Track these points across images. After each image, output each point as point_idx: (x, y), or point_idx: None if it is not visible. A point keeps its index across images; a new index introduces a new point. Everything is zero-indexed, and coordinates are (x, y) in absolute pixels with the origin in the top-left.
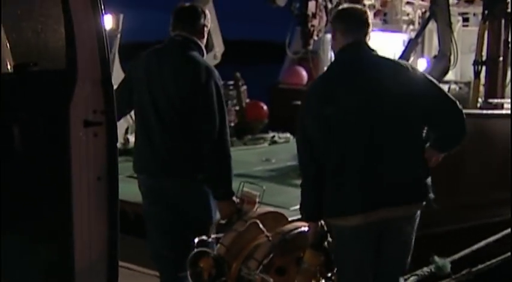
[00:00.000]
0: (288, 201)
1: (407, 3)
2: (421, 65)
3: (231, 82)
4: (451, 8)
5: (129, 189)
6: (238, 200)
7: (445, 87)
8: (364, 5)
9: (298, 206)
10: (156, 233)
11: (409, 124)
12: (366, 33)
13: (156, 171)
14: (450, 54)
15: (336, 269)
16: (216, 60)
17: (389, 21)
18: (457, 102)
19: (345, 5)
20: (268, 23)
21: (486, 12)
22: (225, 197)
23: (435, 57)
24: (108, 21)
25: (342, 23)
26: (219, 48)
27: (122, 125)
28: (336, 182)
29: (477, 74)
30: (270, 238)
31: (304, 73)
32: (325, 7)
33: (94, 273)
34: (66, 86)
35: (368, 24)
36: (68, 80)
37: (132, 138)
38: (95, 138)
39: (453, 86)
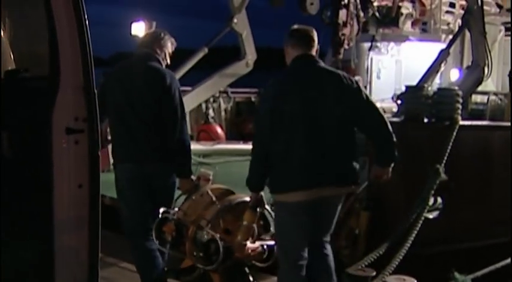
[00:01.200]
0: None
1: (447, 12)
2: (453, 75)
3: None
4: (494, 17)
5: None
6: (195, 178)
7: (484, 98)
8: (402, 14)
9: None
10: (132, 213)
11: (342, 121)
12: (311, 48)
13: (136, 159)
14: (484, 64)
15: (271, 232)
16: (249, 68)
17: (428, 30)
18: (380, 111)
19: (296, 26)
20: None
21: None
22: (185, 176)
23: (468, 67)
24: (141, 29)
25: (293, 40)
26: (251, 56)
27: None
28: (282, 164)
29: None
30: (218, 204)
31: None
32: (357, 16)
33: (75, 279)
34: (48, 92)
35: (314, 41)
36: (51, 86)
37: None
38: (76, 145)
39: (492, 97)
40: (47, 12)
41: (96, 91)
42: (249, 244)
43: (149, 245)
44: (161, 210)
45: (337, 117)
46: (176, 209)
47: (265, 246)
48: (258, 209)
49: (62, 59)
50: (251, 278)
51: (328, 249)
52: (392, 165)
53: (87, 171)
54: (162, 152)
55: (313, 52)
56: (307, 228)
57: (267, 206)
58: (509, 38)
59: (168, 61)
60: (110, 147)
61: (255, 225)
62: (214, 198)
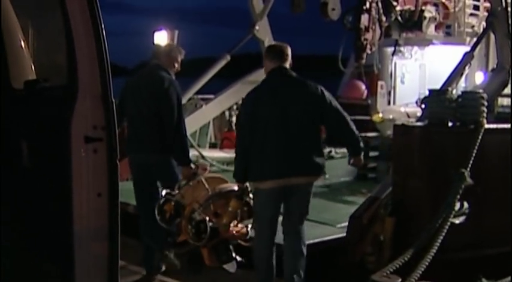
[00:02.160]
0: (335, 218)
1: (471, 14)
2: (478, 78)
3: None
4: None
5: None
6: (194, 166)
7: (504, 101)
8: (425, 18)
9: (345, 223)
10: (142, 194)
11: (309, 122)
12: (285, 61)
13: (142, 150)
14: (510, 67)
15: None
16: None
17: (452, 33)
18: (343, 113)
19: (272, 43)
20: (326, 37)
21: None
22: (185, 164)
23: (493, 70)
24: (163, 38)
25: (269, 55)
26: None
27: None
28: (258, 157)
29: None
30: (210, 191)
31: (363, 87)
32: (379, 20)
33: None
34: (67, 101)
35: (287, 56)
36: (69, 95)
37: None
38: (95, 154)
39: None
40: (65, 22)
41: (114, 100)
42: (233, 226)
43: (153, 219)
44: (163, 192)
45: (303, 119)
46: (176, 191)
47: (248, 228)
48: (242, 198)
49: (79, 68)
50: (234, 254)
51: (301, 234)
52: (363, 153)
53: (106, 179)
54: (161, 145)
55: (287, 65)
56: (278, 211)
57: (251, 195)
58: None
59: (178, 68)
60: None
61: (239, 211)
62: (206, 186)
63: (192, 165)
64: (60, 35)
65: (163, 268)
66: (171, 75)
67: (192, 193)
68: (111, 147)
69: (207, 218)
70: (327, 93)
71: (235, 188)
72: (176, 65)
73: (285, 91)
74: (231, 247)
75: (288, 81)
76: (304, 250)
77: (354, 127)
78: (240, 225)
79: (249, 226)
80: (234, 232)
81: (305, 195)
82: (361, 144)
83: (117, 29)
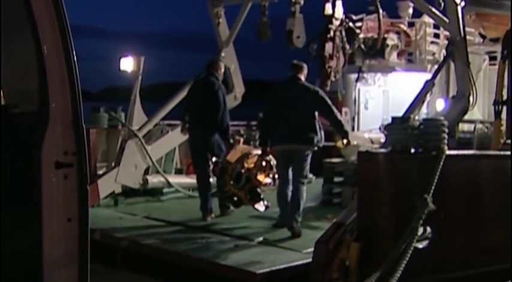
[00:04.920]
0: (301, 244)
1: (432, 42)
2: (439, 105)
3: (254, 122)
4: (478, 47)
5: (144, 231)
6: (232, 141)
7: (471, 127)
8: (387, 46)
9: (311, 248)
10: (199, 158)
11: (307, 109)
12: (300, 73)
13: (199, 128)
14: (469, 94)
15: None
16: (237, 101)
17: (414, 61)
18: (331, 107)
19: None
20: (289, 63)
21: (505, 51)
22: (226, 139)
23: (453, 97)
24: (130, 64)
25: (291, 66)
26: (239, 89)
27: (141, 166)
28: (273, 132)
29: (498, 114)
30: (243, 154)
31: None
32: (343, 48)
33: None
34: (38, 127)
35: (302, 69)
36: (40, 121)
37: (150, 179)
38: (65, 179)
39: (479, 126)
40: (37, 48)
41: (84, 125)
42: (259, 176)
43: (207, 175)
44: (213, 159)
45: (303, 108)
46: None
47: (271, 178)
48: (263, 157)
49: (51, 94)
50: (262, 196)
51: (299, 188)
52: (349, 136)
53: (76, 205)
54: (213, 125)
55: (301, 75)
56: (288, 165)
57: (270, 156)
58: (493, 67)
59: (221, 76)
60: (99, 181)
61: (263, 166)
62: (241, 151)
63: (231, 140)
64: (32, 60)
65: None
66: (219, 80)
67: (232, 157)
68: (82, 173)
69: (243, 171)
70: (321, 93)
71: (259, 151)
72: (221, 73)
73: (293, 89)
74: (259, 191)
75: (297, 84)
76: (301, 202)
77: (338, 115)
78: (264, 177)
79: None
80: (261, 180)
81: (301, 158)
82: (345, 127)
83: (81, 53)
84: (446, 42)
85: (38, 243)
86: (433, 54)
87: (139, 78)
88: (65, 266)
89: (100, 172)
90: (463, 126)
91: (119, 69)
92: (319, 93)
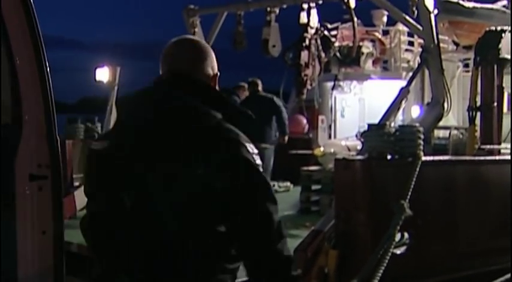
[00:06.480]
0: None
1: (407, 50)
2: (415, 112)
3: None
4: (452, 54)
5: None
6: None
7: (446, 133)
8: (363, 53)
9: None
10: None
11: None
12: (257, 86)
13: None
14: (444, 101)
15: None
16: None
17: (389, 68)
18: (283, 112)
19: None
20: (268, 73)
21: (478, 58)
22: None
23: (428, 104)
24: (105, 74)
25: (248, 84)
26: None
27: None
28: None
29: (472, 120)
30: None
31: (304, 122)
32: (319, 56)
33: None
34: (11, 140)
35: (257, 85)
36: (13, 134)
37: None
38: (39, 191)
39: (454, 132)
40: (9, 60)
41: (59, 137)
42: None
43: None
44: None
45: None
46: None
47: None
48: None
49: (24, 107)
50: None
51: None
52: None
53: (50, 217)
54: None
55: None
56: None
57: None
58: (467, 73)
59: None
60: (76, 193)
61: None
62: None
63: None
64: (4, 72)
65: None
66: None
67: None
68: (56, 185)
69: None
70: (276, 100)
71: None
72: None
73: (257, 100)
74: None
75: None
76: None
77: (285, 121)
78: None
79: None
80: None
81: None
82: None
83: (58, 64)
84: (420, 49)
85: (13, 257)
86: (408, 61)
87: (116, 88)
88: (40, 280)
89: (77, 183)
90: (439, 133)
91: (95, 80)
92: (275, 100)
